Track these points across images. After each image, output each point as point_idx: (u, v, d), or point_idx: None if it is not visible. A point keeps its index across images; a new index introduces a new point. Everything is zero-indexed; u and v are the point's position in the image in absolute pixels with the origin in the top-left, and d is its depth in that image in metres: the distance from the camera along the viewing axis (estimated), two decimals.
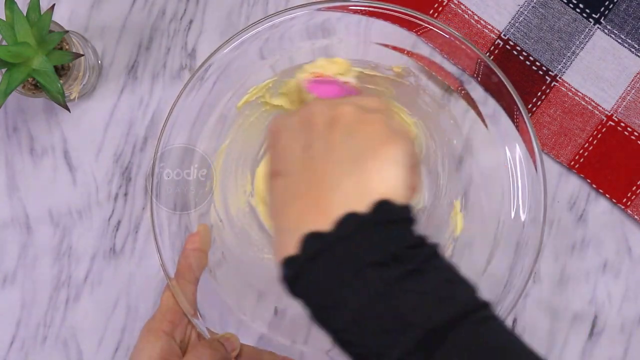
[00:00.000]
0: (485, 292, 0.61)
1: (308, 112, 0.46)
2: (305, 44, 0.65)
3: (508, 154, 0.63)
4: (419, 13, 0.61)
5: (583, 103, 0.70)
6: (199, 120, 0.64)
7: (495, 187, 0.64)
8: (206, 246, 0.61)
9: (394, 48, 0.65)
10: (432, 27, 0.61)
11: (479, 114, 0.64)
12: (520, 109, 0.60)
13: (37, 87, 0.65)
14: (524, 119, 0.61)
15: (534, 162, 0.61)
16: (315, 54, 0.65)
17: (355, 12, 0.65)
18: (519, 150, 0.62)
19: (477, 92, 0.63)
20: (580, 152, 0.70)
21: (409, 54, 0.65)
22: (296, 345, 0.65)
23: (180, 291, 0.59)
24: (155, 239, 0.61)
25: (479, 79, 0.62)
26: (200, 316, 0.61)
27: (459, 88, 0.64)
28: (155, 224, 0.61)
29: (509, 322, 0.71)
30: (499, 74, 0.60)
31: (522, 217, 0.62)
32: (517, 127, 0.61)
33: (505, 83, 0.60)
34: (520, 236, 0.62)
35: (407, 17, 0.61)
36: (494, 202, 0.64)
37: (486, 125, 0.64)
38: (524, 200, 0.62)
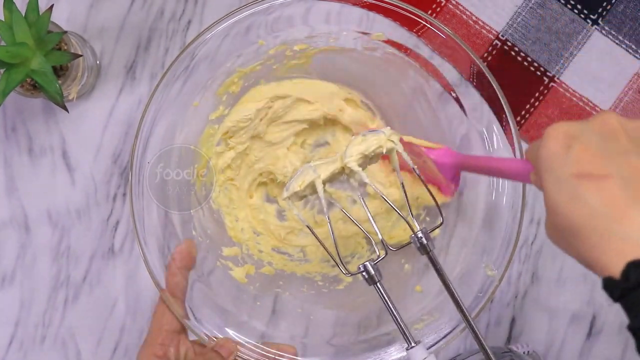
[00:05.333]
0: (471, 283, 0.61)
1: (605, 123, 0.45)
2: (301, 31, 0.65)
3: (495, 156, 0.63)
4: (415, 8, 0.61)
5: (581, 104, 0.70)
6: (183, 110, 0.64)
7: (482, 187, 0.64)
8: (194, 261, 0.61)
9: (394, 44, 0.65)
10: (428, 25, 0.61)
11: (465, 113, 0.64)
12: (508, 116, 0.60)
13: (35, 88, 0.65)
14: (510, 125, 0.61)
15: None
16: (311, 41, 0.65)
17: (355, 3, 0.65)
18: (504, 155, 0.62)
19: (471, 95, 0.63)
20: None
21: (408, 52, 0.65)
22: (296, 338, 0.65)
23: (173, 304, 0.59)
24: (139, 239, 0.60)
25: (474, 82, 0.63)
26: (197, 320, 0.61)
27: (451, 92, 0.64)
28: (136, 222, 0.61)
29: (507, 321, 0.71)
30: (487, 74, 0.60)
31: (504, 212, 0.62)
32: (504, 131, 0.62)
33: (494, 86, 0.60)
34: (504, 231, 0.62)
35: (403, 12, 0.61)
36: (481, 200, 0.64)
37: (476, 129, 0.64)
38: (507, 196, 0.62)
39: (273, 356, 0.61)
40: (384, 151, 0.56)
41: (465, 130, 0.64)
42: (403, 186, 0.58)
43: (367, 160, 0.57)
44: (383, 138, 0.56)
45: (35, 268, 0.70)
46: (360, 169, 0.56)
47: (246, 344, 0.61)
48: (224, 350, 0.59)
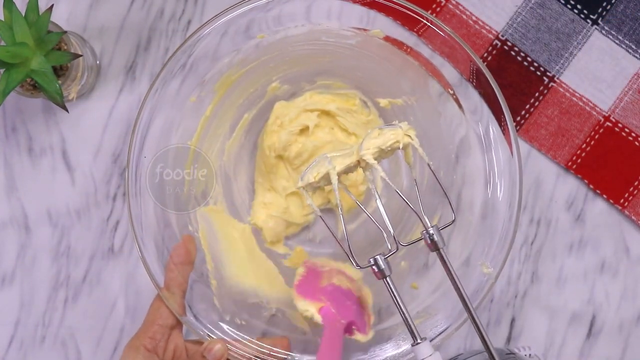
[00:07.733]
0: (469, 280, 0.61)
1: None
2: (301, 28, 0.65)
3: (493, 155, 0.63)
4: (415, 6, 0.61)
5: (580, 104, 0.70)
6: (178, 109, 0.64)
7: (480, 186, 0.64)
8: (191, 257, 0.61)
9: (394, 43, 0.65)
10: (428, 23, 0.61)
11: (464, 113, 0.64)
12: (506, 117, 0.60)
13: (35, 88, 0.65)
14: (507, 125, 0.61)
15: (517, 167, 0.61)
16: (311, 35, 0.65)
17: (355, 1, 0.65)
18: (502, 154, 0.62)
19: (470, 95, 0.63)
20: (578, 152, 0.70)
21: (408, 51, 0.65)
22: (296, 335, 0.65)
23: (169, 298, 0.59)
24: (137, 239, 0.60)
25: (473, 82, 0.63)
26: (195, 317, 0.61)
27: (450, 91, 0.64)
28: (134, 222, 0.61)
29: (507, 321, 0.71)
30: (486, 74, 0.60)
31: (502, 211, 0.62)
32: (503, 131, 0.62)
33: (493, 86, 0.60)
34: (501, 229, 0.62)
35: (403, 10, 0.61)
36: (478, 198, 0.64)
37: (474, 130, 0.64)
38: (504, 194, 0.62)
39: (267, 352, 0.61)
40: (401, 146, 0.55)
41: (464, 132, 0.64)
42: (417, 183, 0.58)
43: (383, 154, 0.56)
44: (400, 133, 0.55)
45: (35, 268, 0.70)
46: (376, 162, 0.55)
47: (241, 340, 0.61)
48: (212, 355, 0.59)
